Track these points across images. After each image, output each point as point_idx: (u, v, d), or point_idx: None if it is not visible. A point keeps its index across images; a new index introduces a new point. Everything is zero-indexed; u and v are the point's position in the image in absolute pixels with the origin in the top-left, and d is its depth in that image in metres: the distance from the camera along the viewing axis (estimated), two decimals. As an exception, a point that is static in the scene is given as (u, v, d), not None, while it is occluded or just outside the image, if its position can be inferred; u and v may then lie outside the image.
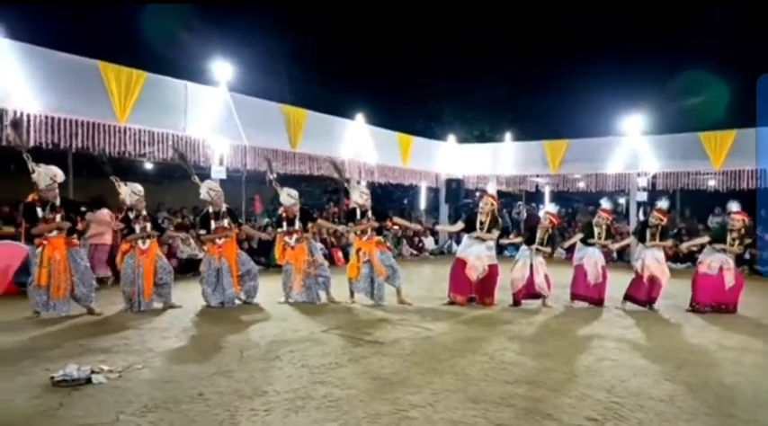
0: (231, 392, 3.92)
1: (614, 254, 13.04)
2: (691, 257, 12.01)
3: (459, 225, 8.10)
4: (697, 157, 13.27)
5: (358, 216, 7.71)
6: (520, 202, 20.21)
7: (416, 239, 16.22)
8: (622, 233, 12.82)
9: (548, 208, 8.38)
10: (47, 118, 8.03)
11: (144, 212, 7.14)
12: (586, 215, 16.32)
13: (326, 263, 8.04)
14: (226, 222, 7.45)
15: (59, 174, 6.42)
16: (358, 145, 13.29)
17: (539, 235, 7.72)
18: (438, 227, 14.01)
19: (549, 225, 7.79)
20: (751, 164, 12.60)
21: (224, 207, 7.53)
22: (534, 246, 7.68)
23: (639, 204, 14.41)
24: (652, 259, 7.54)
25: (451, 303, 7.65)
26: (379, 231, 7.83)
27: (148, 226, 7.08)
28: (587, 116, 18.48)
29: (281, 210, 7.91)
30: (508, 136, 16.92)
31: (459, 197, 16.81)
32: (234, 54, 11.66)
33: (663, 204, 7.80)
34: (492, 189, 8.16)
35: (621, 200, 19.41)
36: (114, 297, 7.47)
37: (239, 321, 6.49)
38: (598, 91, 19.56)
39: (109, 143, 8.68)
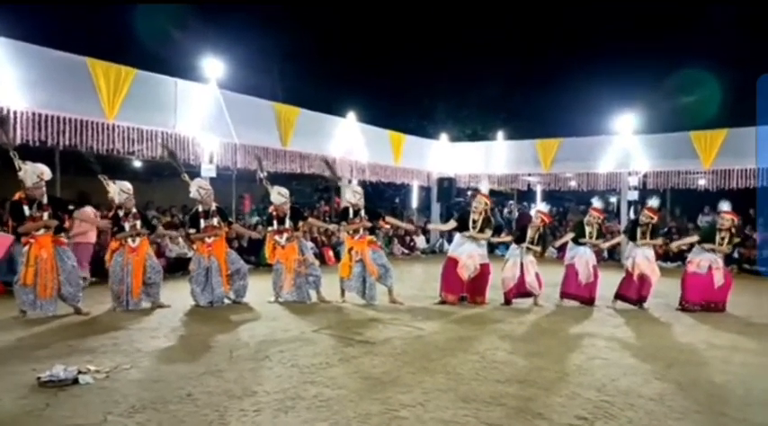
0: (220, 392, 3.88)
1: (605, 253, 13.09)
2: (680, 256, 12.08)
3: (452, 223, 8.09)
4: (687, 157, 13.36)
5: (351, 215, 7.68)
6: (511, 201, 20.26)
7: (408, 238, 16.21)
8: (613, 232, 12.87)
9: (539, 207, 8.39)
10: (34, 115, 7.94)
11: (134, 210, 7.08)
12: (578, 214, 16.40)
13: (317, 262, 8.01)
14: (215, 221, 7.40)
15: (47, 172, 6.33)
16: (349, 143, 13.25)
17: (529, 233, 7.73)
18: (430, 226, 13.99)
19: (541, 224, 7.81)
20: (741, 164, 12.70)
21: (214, 205, 7.48)
22: (524, 245, 7.69)
23: (630, 203, 14.50)
24: (642, 257, 7.58)
25: (443, 302, 7.64)
26: (371, 230, 7.81)
27: (138, 223, 7.02)
28: (581, 115, 18.53)
29: (271, 209, 7.86)
30: (500, 135, 16.96)
31: (450, 195, 16.83)
32: (226, 51, 11.63)
33: (653, 202, 7.84)
34: (485, 188, 8.13)
35: (613, 199, 19.51)
36: (102, 297, 7.39)
37: (229, 320, 6.44)
38: (596, 90, 19.62)
39: (97, 140, 8.60)
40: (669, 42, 20.37)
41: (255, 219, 14.04)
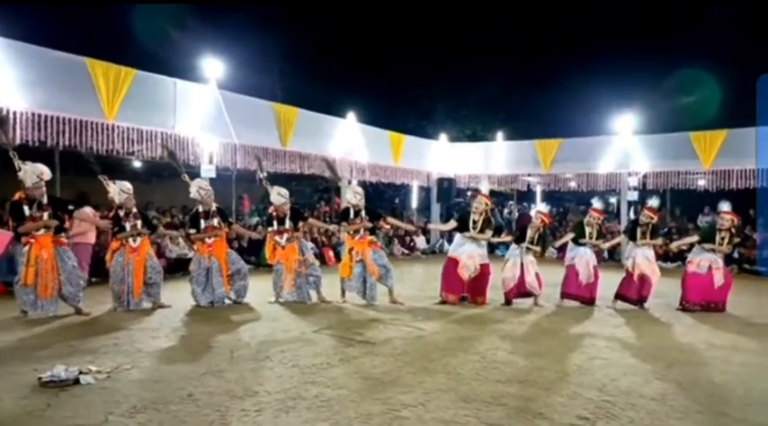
0: (221, 392, 3.88)
1: (605, 254, 13.09)
2: (680, 256, 12.09)
3: (452, 224, 8.10)
4: (687, 157, 13.37)
5: (351, 215, 7.68)
6: (511, 202, 20.26)
7: (408, 238, 16.21)
8: (613, 232, 12.88)
9: (539, 208, 8.39)
10: (33, 115, 7.93)
11: (134, 210, 7.08)
12: (577, 214, 16.40)
13: (317, 263, 8.00)
14: (216, 221, 7.40)
15: (46, 172, 6.33)
16: (349, 143, 13.25)
17: (529, 234, 7.73)
18: (431, 226, 13.99)
19: (540, 224, 7.81)
20: (740, 164, 12.71)
21: (214, 206, 7.48)
22: (524, 245, 7.69)
23: (630, 203, 14.51)
24: (642, 257, 7.58)
25: (443, 302, 7.64)
26: (371, 231, 7.81)
27: (139, 223, 7.03)
28: (581, 115, 18.54)
29: (271, 209, 7.86)
30: (500, 135, 16.96)
31: (450, 196, 16.83)
32: (225, 51, 11.60)
33: (653, 202, 7.84)
34: (485, 188, 8.14)
35: (613, 200, 19.51)
36: (102, 297, 7.39)
37: (229, 321, 6.44)
38: (595, 90, 19.64)
39: (96, 141, 8.59)
40: (668, 42, 20.39)
41: (255, 220, 14.04)
